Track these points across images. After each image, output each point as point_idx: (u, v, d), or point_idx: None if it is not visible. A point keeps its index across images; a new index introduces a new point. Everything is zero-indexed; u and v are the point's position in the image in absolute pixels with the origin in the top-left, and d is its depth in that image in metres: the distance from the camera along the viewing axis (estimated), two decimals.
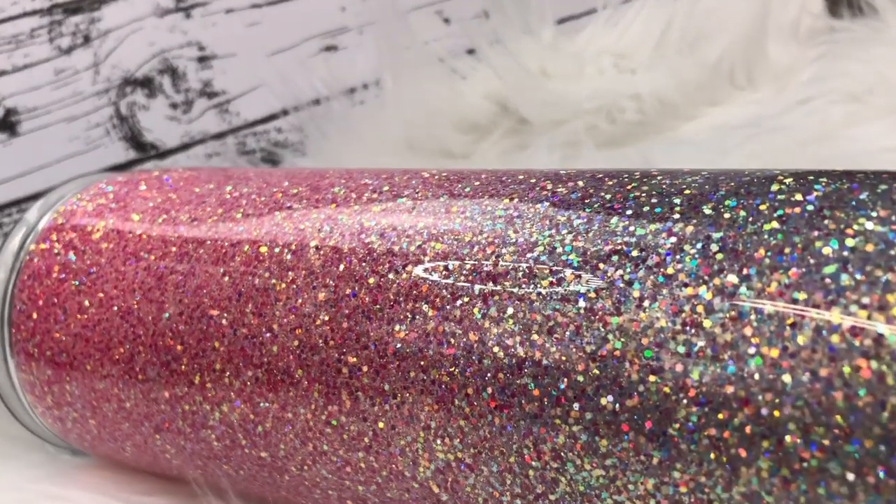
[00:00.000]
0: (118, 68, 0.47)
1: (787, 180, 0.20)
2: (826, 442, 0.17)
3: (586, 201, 0.22)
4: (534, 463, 0.21)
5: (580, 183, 0.23)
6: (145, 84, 0.47)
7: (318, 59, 0.50)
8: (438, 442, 0.22)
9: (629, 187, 0.22)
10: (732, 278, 0.19)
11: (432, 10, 0.52)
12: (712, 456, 0.18)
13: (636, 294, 0.20)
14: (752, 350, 0.18)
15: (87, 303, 0.29)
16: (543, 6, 0.53)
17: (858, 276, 0.17)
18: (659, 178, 0.22)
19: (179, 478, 0.30)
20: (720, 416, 0.18)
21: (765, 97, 0.52)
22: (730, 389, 0.18)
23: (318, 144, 0.49)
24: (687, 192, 0.21)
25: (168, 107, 0.48)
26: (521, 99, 0.49)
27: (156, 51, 0.47)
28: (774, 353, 0.18)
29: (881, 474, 0.16)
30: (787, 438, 0.17)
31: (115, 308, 0.28)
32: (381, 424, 0.23)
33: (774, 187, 0.20)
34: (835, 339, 0.17)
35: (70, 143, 0.46)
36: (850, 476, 0.17)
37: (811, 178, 0.20)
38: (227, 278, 0.26)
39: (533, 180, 0.24)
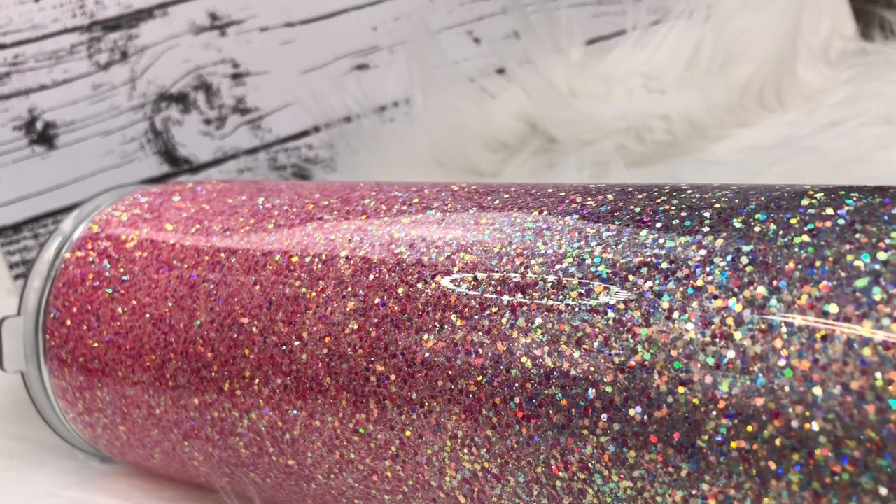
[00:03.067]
0: (154, 84, 0.48)
1: (818, 195, 0.20)
2: (858, 455, 0.17)
3: (615, 214, 0.22)
4: (561, 474, 0.20)
5: (609, 196, 0.23)
6: (180, 100, 0.48)
7: (350, 78, 0.51)
8: (465, 451, 0.22)
9: (659, 200, 0.22)
10: (762, 290, 0.19)
11: (462, 30, 0.53)
12: (741, 468, 0.18)
13: (665, 305, 0.20)
14: (782, 362, 0.18)
15: (120, 310, 0.29)
16: (573, 27, 0.53)
17: (891, 290, 0.17)
18: (689, 191, 0.23)
19: (207, 486, 0.30)
20: (750, 428, 0.18)
21: (795, 119, 0.52)
22: (760, 402, 0.18)
23: (348, 161, 0.50)
24: (717, 205, 0.21)
25: (202, 122, 0.49)
26: (550, 118, 0.50)
27: (191, 67, 0.48)
28: (805, 365, 0.18)
29: None
30: (818, 452, 0.17)
31: (148, 315, 0.29)
32: (408, 433, 0.23)
33: (805, 202, 0.20)
34: (866, 352, 0.17)
35: (106, 156, 0.47)
36: (883, 490, 0.17)
37: (842, 192, 0.20)
38: (258, 287, 0.26)
39: (562, 193, 0.24)
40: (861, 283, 0.18)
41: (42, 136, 0.46)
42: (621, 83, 0.51)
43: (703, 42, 0.53)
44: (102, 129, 0.47)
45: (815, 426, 0.17)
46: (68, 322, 0.31)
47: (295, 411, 0.25)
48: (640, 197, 0.23)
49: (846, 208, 0.19)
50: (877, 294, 0.17)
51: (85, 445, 0.34)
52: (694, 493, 0.19)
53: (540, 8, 0.53)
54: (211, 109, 0.49)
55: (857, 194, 0.20)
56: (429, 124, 0.49)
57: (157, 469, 0.31)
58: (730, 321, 0.19)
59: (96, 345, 0.30)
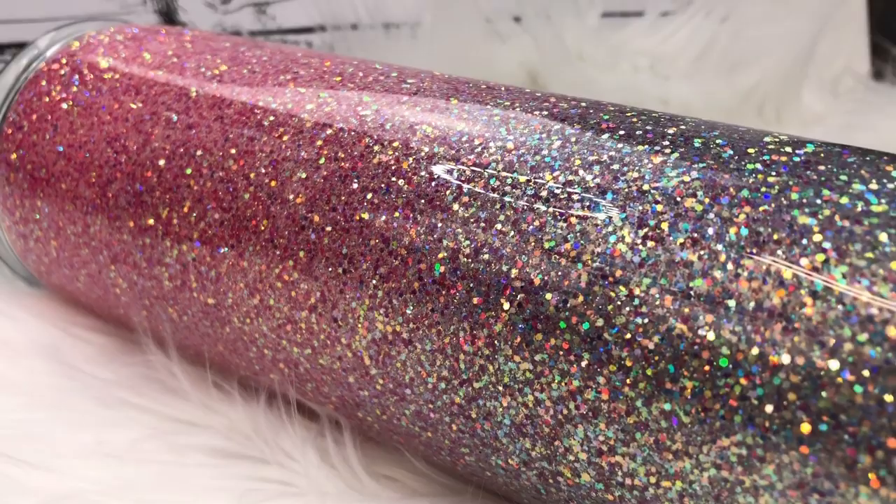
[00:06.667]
0: None
1: (782, 136, 0.21)
2: (754, 370, 0.17)
3: (584, 117, 0.22)
4: (467, 347, 0.20)
5: (583, 104, 0.23)
6: None
7: None
8: (381, 312, 0.22)
9: (628, 114, 0.22)
10: (703, 203, 0.19)
11: None
12: (641, 367, 0.18)
13: (607, 202, 0.20)
14: (703, 270, 0.18)
15: (79, 123, 0.29)
16: None
17: (825, 224, 0.17)
18: (658, 114, 0.23)
19: (124, 320, 0.30)
20: (659, 329, 0.18)
21: None
22: (674, 305, 0.18)
23: None
24: (682, 126, 0.21)
25: None
26: (552, 74, 0.49)
27: None
28: (725, 277, 0.18)
29: (798, 412, 0.16)
30: (717, 362, 0.17)
31: (104, 133, 0.28)
32: (330, 286, 0.23)
33: (767, 139, 0.20)
34: (787, 274, 0.17)
35: (105, 2, 0.46)
36: (769, 407, 0.17)
37: (805, 141, 0.20)
38: (217, 123, 0.26)
39: (539, 94, 0.24)
40: (798, 213, 0.18)
41: None
42: (629, 59, 0.51)
43: (716, 40, 0.53)
44: None
45: (720, 336, 0.17)
46: (25, 127, 0.30)
47: (225, 249, 0.25)
48: (611, 109, 0.23)
49: (804, 150, 0.20)
50: (811, 225, 0.18)
51: (15, 262, 0.34)
52: (590, 384, 0.19)
53: None
54: None
55: (819, 142, 0.20)
56: (433, 50, 0.48)
57: (80, 294, 0.31)
58: (664, 226, 0.19)
59: (47, 154, 0.29)
